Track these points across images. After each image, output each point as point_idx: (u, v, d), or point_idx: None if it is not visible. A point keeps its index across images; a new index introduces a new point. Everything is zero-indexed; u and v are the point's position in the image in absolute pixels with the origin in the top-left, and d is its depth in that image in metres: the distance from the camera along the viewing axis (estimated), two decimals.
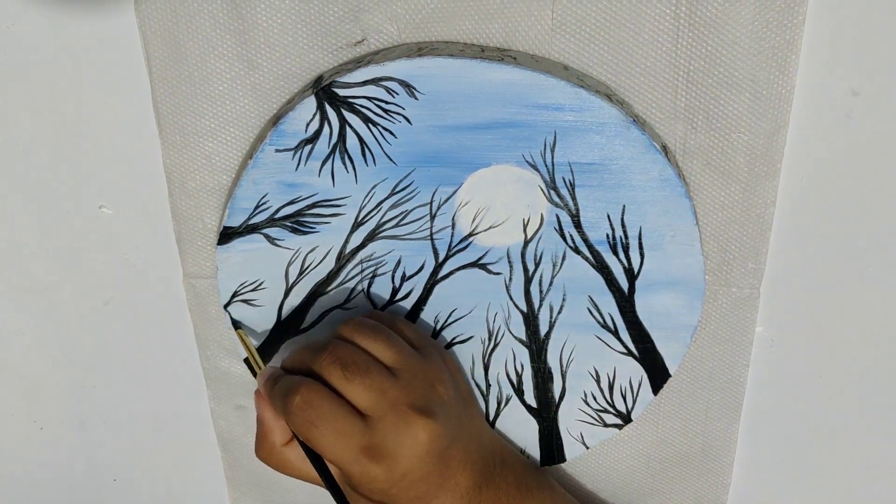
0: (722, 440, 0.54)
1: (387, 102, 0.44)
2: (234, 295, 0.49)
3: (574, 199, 0.46)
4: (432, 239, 0.48)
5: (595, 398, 0.51)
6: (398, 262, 0.48)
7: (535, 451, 0.53)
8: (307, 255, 0.48)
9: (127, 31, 0.45)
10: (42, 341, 0.55)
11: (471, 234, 0.47)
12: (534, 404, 0.51)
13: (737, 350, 0.51)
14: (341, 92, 0.44)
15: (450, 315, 0.49)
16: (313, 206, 0.47)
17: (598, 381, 0.50)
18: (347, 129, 0.45)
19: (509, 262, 0.48)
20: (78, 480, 0.60)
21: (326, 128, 0.45)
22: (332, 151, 0.45)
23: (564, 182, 0.45)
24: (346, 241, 0.48)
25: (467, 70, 0.43)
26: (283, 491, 0.58)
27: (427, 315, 0.49)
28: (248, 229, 0.48)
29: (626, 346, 0.49)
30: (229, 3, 0.44)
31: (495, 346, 0.50)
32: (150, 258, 0.52)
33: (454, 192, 0.46)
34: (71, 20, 0.45)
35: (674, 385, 0.51)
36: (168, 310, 0.53)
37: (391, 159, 0.46)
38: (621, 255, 0.47)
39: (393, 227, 0.47)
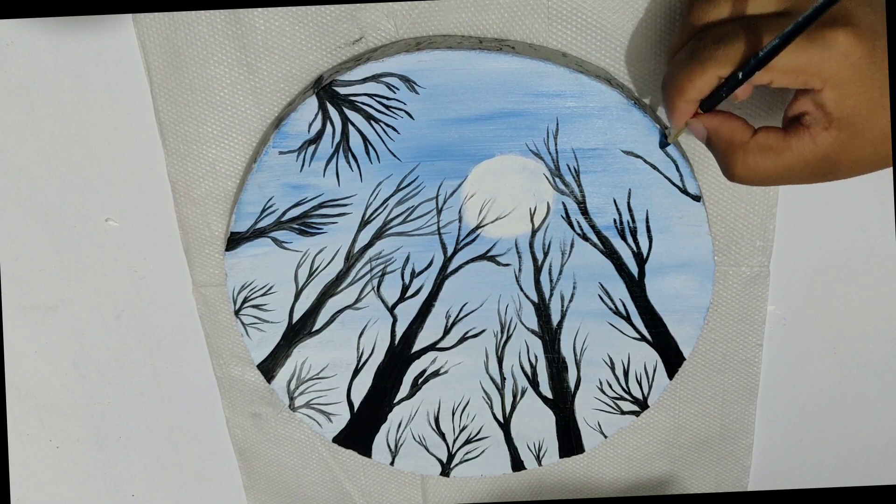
0: (740, 422, 0.53)
1: (388, 98, 0.44)
2: (245, 301, 0.49)
3: (580, 185, 0.46)
4: (440, 233, 0.48)
5: (611, 385, 0.51)
6: (407, 259, 0.48)
7: (552, 442, 0.53)
8: (315, 256, 0.48)
9: (126, 42, 0.45)
10: (54, 359, 0.55)
11: (478, 227, 0.47)
12: (549, 395, 0.51)
13: (750, 330, 0.51)
14: (342, 90, 0.44)
15: (461, 309, 0.49)
16: (319, 206, 0.47)
17: (612, 368, 0.50)
18: (350, 127, 0.45)
19: (518, 252, 0.48)
20: (96, 497, 0.60)
21: (329, 127, 0.45)
22: (336, 150, 0.46)
23: (569, 169, 0.45)
24: (354, 241, 0.48)
25: (466, 61, 0.43)
26: (304, 498, 0.58)
27: (438, 310, 0.49)
28: (256, 234, 0.48)
29: (639, 332, 0.49)
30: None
31: (508, 338, 0.50)
32: (158, 269, 0.52)
33: (459, 185, 0.46)
34: (69, 34, 0.45)
35: (689, 368, 0.51)
36: (179, 320, 0.53)
37: (395, 155, 0.46)
38: (629, 240, 0.47)
39: (400, 224, 0.47)
